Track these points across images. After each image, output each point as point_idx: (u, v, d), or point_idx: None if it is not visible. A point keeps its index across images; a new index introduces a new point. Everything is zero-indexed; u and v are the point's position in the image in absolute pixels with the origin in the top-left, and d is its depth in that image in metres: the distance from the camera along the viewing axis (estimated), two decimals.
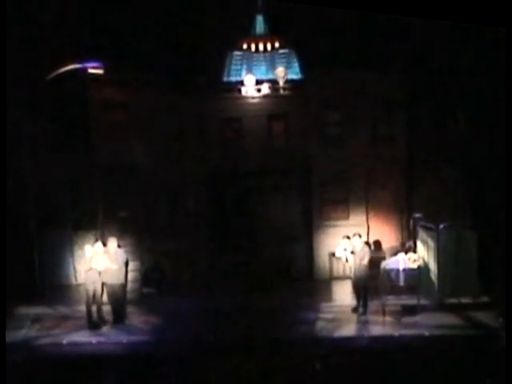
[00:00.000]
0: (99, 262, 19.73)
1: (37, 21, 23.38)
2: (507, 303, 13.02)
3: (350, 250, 20.44)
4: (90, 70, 22.07)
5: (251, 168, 24.61)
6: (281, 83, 25.13)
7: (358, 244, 20.47)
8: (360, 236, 20.80)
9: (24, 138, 23.00)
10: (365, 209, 24.73)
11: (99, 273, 19.78)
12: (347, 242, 20.71)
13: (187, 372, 16.83)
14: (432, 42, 23.59)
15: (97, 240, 21.45)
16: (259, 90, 25.01)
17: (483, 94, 22.91)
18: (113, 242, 20.28)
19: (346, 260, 20.77)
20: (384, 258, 21.95)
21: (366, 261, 20.25)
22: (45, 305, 21.86)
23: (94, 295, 19.76)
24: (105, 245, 20.29)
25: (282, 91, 25.25)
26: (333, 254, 22.36)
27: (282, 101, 25.16)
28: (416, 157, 24.46)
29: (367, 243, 21.40)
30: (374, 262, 20.92)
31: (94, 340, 18.93)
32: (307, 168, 24.87)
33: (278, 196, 25.16)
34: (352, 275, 20.70)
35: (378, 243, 22.66)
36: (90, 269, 19.75)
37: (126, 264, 20.45)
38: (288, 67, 25.74)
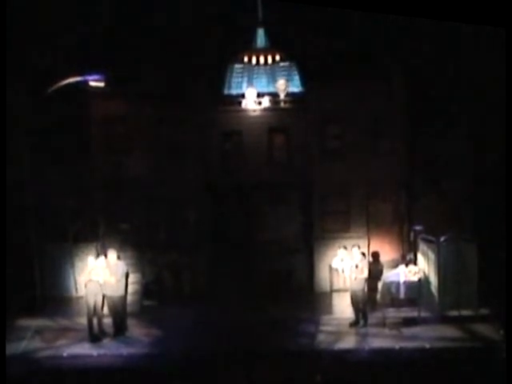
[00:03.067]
0: (99, 275, 19.73)
1: (38, 34, 23.47)
2: (507, 315, 13.01)
3: (349, 262, 20.43)
4: (91, 83, 22.12)
5: (252, 181, 24.59)
6: (281, 96, 25.17)
7: (357, 255, 20.48)
8: (359, 247, 20.82)
9: (25, 150, 23.08)
10: (365, 221, 24.71)
11: (100, 285, 19.78)
12: (344, 253, 20.72)
13: None
14: (433, 54, 23.69)
15: (98, 254, 21.47)
16: (260, 103, 25.04)
17: (483, 106, 23.02)
18: (112, 254, 20.29)
19: (343, 271, 20.77)
20: (382, 270, 21.94)
21: (364, 273, 20.26)
22: (45, 317, 21.83)
23: (95, 307, 19.74)
24: (105, 257, 20.30)
25: (282, 104, 25.28)
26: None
27: (283, 114, 25.19)
28: (417, 169, 24.48)
29: (364, 255, 21.38)
30: (373, 273, 20.94)
31: (94, 352, 18.91)
32: (308, 181, 24.88)
33: (279, 208, 25.14)
34: (350, 288, 20.68)
35: (376, 254, 22.62)
36: (91, 281, 19.73)
37: (127, 276, 20.45)
38: (289, 80, 25.77)
